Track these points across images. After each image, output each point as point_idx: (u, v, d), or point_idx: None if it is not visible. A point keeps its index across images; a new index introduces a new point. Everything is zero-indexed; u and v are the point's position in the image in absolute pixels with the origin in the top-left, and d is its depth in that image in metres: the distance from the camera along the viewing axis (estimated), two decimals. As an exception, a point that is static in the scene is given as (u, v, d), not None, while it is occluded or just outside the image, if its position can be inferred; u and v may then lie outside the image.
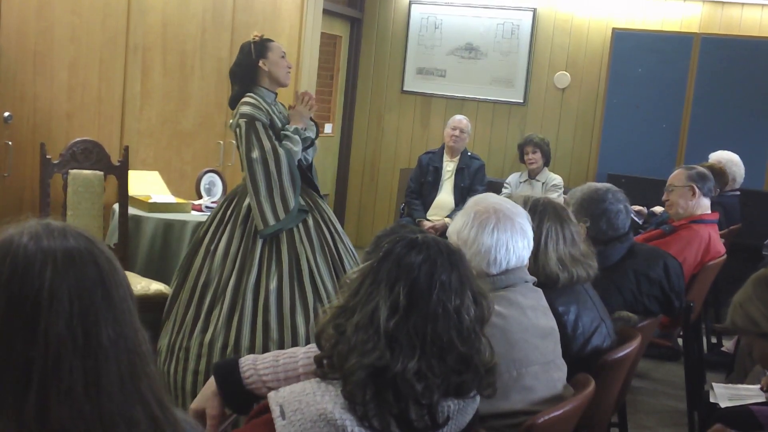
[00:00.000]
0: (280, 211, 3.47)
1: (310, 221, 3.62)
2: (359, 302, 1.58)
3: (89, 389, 0.96)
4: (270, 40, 3.72)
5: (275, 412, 1.53)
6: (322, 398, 1.51)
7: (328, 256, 3.59)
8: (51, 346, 0.96)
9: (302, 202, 3.59)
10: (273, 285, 3.46)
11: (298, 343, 3.33)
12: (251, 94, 3.60)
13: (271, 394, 1.58)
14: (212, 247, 3.59)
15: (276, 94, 3.75)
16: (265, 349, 3.33)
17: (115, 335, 1.00)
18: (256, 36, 3.72)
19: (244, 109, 3.54)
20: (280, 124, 3.61)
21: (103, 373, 0.97)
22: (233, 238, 3.56)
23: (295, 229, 3.55)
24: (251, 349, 3.35)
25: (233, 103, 3.66)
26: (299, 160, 3.64)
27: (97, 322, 0.99)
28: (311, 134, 3.70)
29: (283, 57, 3.71)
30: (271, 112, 3.62)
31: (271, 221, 3.46)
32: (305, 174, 3.71)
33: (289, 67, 3.75)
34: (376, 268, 1.60)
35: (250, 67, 3.64)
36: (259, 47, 3.67)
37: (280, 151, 3.50)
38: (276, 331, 3.39)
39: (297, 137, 3.56)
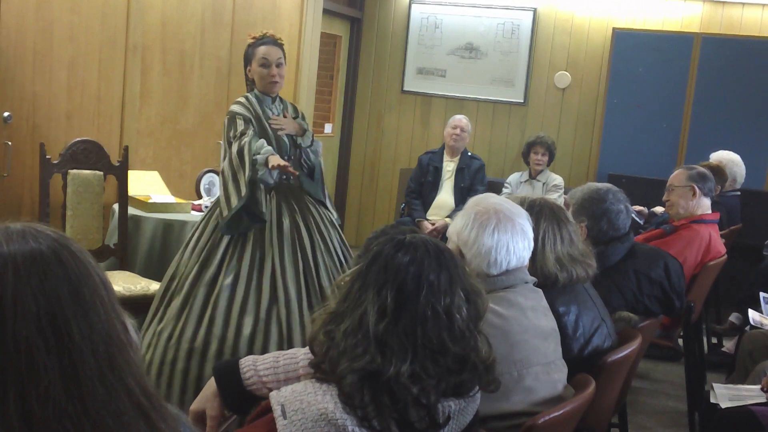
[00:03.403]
0: (242, 189, 3.38)
1: (286, 223, 3.52)
2: (348, 308, 1.58)
3: (69, 387, 0.96)
4: (260, 44, 3.62)
5: (277, 411, 1.53)
6: (323, 398, 1.51)
7: (300, 263, 3.48)
8: (22, 350, 0.95)
9: (262, 210, 3.45)
10: (228, 281, 3.41)
11: (239, 343, 3.31)
12: (245, 95, 3.65)
13: (273, 394, 1.58)
14: (188, 241, 3.63)
15: (272, 98, 3.69)
16: (206, 345, 3.32)
17: (88, 330, 0.99)
18: (252, 37, 3.67)
19: (231, 107, 3.60)
20: (270, 131, 3.60)
21: (80, 369, 0.97)
22: (204, 232, 3.56)
23: (268, 229, 3.48)
24: (192, 342, 3.34)
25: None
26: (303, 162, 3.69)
27: (67, 320, 0.98)
28: (302, 143, 3.67)
29: (263, 65, 3.60)
30: (261, 115, 3.60)
31: (234, 203, 3.38)
32: (301, 177, 3.69)
33: (272, 76, 3.60)
34: (364, 272, 1.60)
35: (246, 71, 3.69)
36: (247, 54, 3.66)
37: (244, 141, 3.43)
38: (220, 327, 3.34)
39: (256, 167, 3.42)
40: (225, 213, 3.42)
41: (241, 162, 3.42)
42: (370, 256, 1.62)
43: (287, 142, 3.65)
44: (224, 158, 3.52)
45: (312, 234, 3.57)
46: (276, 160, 3.38)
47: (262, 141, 3.48)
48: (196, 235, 3.60)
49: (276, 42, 3.67)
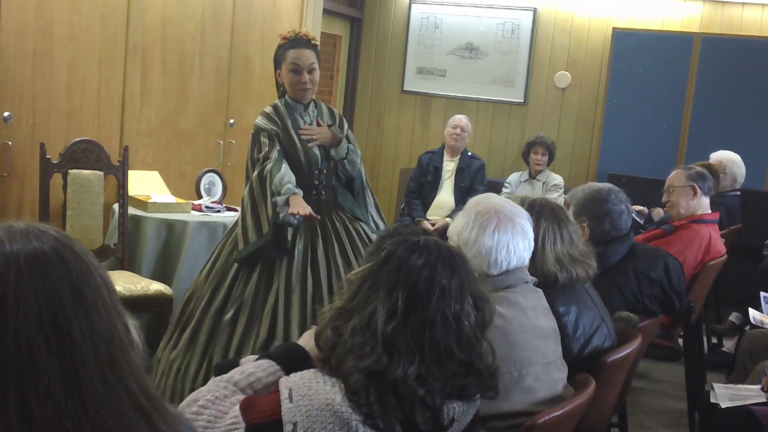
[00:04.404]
0: (264, 225, 3.18)
1: (299, 248, 3.23)
2: (358, 305, 1.58)
3: (69, 387, 0.96)
4: (290, 46, 3.30)
5: (284, 394, 1.54)
6: (332, 389, 1.52)
7: (310, 291, 3.18)
8: (23, 349, 0.95)
9: (287, 238, 3.20)
10: (228, 315, 3.21)
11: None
12: (273, 103, 3.39)
13: (282, 379, 1.60)
14: (208, 259, 3.43)
15: (305, 105, 3.40)
16: (204, 383, 3.08)
17: (89, 330, 0.99)
18: (282, 37, 3.35)
19: (257, 119, 3.35)
20: (299, 143, 3.32)
21: (80, 369, 0.97)
22: (221, 254, 3.35)
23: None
24: (193, 380, 3.19)
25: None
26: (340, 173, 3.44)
27: (68, 320, 0.98)
28: (336, 155, 3.38)
29: (293, 71, 3.29)
30: (290, 126, 3.32)
31: (252, 238, 3.18)
32: (334, 194, 3.43)
33: (303, 83, 3.30)
34: (376, 271, 1.60)
35: (276, 75, 3.41)
36: (277, 56, 3.35)
37: (267, 168, 3.19)
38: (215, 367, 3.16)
39: (275, 202, 3.18)
40: (241, 246, 3.22)
41: (262, 193, 3.19)
42: (382, 256, 1.62)
43: (318, 155, 3.34)
44: (246, 182, 3.28)
45: (331, 259, 3.25)
46: (297, 205, 3.07)
47: (283, 173, 3.17)
48: (214, 255, 3.39)
49: (308, 43, 3.34)
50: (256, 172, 3.23)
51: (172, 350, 3.33)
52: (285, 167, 3.21)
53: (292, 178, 3.19)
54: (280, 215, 3.11)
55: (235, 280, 3.26)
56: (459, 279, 1.59)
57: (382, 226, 3.50)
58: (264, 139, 3.27)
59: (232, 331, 3.19)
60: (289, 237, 3.23)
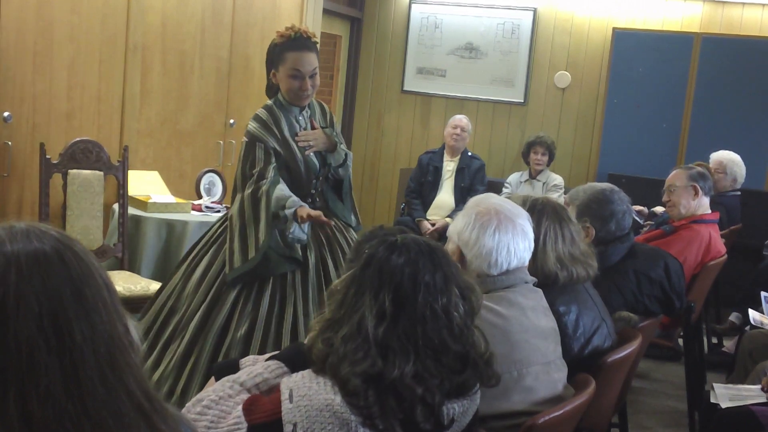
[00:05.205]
0: (251, 250, 2.96)
1: (312, 260, 3.05)
2: (345, 313, 1.58)
3: (69, 387, 0.96)
4: (290, 48, 3.03)
5: (284, 394, 1.55)
6: (332, 389, 1.52)
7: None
8: (23, 349, 0.95)
9: (298, 251, 3.02)
10: (242, 331, 2.93)
11: None
12: (267, 105, 3.15)
13: (284, 379, 1.61)
14: (190, 269, 3.15)
15: (301, 108, 3.16)
16: None
17: (89, 331, 0.99)
18: (280, 35, 3.07)
19: (250, 125, 3.10)
20: (298, 153, 3.13)
21: (81, 370, 0.97)
22: (214, 263, 3.08)
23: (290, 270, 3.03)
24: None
25: (268, 92, 3.22)
26: (329, 176, 3.26)
27: (69, 320, 0.98)
28: (333, 162, 3.21)
29: (293, 76, 3.02)
30: (287, 130, 3.11)
31: (237, 263, 2.96)
32: (327, 201, 3.27)
33: (303, 90, 3.05)
34: (359, 276, 1.59)
35: (269, 73, 3.16)
36: (273, 55, 3.08)
37: (263, 189, 3.00)
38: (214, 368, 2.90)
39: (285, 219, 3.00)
40: (227, 269, 2.99)
41: (253, 215, 2.98)
42: (363, 260, 1.61)
43: (316, 162, 3.16)
44: (235, 194, 3.07)
45: (340, 267, 3.06)
46: (305, 211, 2.91)
47: (284, 193, 2.99)
48: (202, 265, 3.11)
49: (309, 43, 3.06)
50: (249, 191, 3.01)
51: (154, 369, 3.02)
52: (283, 186, 3.04)
53: (292, 195, 3.04)
54: (289, 231, 2.93)
55: (239, 296, 3.02)
56: (442, 272, 1.59)
57: (354, 222, 3.33)
58: (260, 154, 3.05)
59: (245, 349, 2.91)
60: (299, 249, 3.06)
